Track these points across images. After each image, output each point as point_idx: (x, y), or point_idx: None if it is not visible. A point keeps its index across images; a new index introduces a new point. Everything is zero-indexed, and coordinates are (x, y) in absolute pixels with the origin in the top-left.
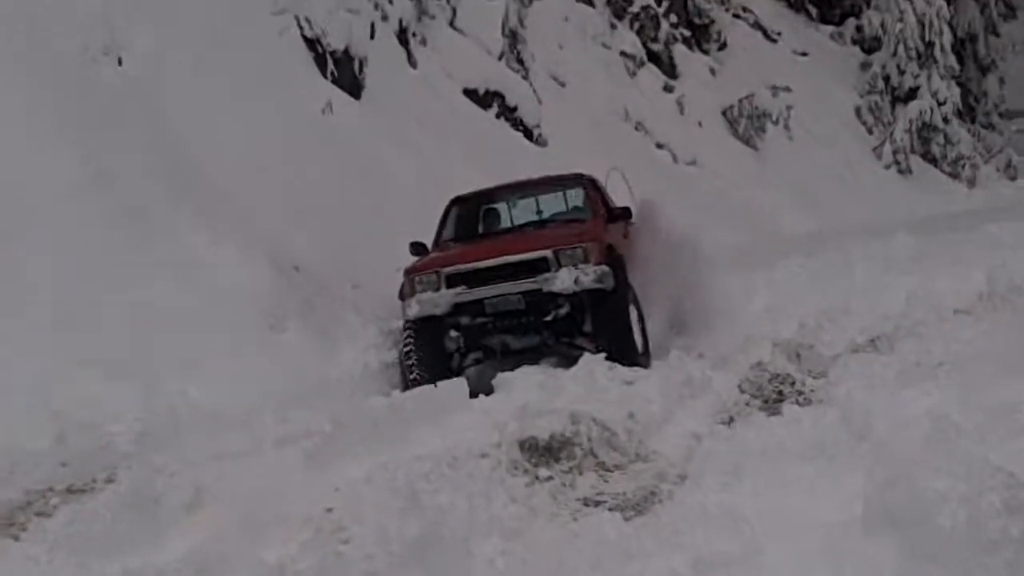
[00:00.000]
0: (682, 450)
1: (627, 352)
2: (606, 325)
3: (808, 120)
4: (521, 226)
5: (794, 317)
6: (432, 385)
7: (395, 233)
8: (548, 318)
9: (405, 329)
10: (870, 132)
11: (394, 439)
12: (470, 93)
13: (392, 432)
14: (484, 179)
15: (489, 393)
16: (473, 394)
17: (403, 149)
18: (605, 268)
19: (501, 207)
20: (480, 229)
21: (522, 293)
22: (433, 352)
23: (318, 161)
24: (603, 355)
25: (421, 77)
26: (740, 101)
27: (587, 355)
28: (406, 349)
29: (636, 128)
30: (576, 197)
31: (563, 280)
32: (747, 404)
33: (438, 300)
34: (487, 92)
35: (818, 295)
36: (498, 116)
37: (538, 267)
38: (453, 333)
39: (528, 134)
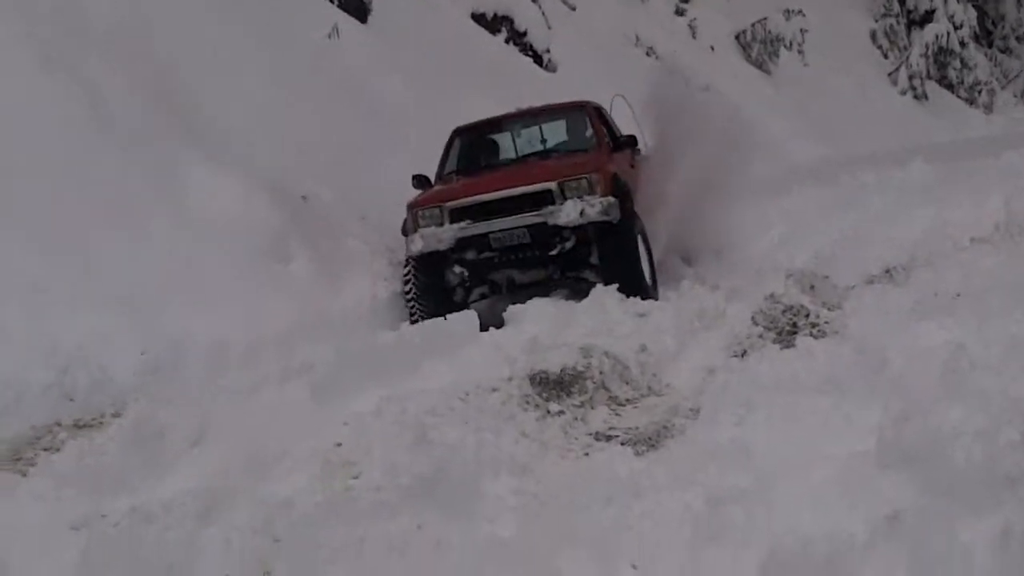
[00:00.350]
0: (695, 384)
1: (635, 285)
2: (613, 258)
3: (822, 45)
4: (525, 157)
5: (808, 247)
6: (442, 318)
7: (402, 164)
8: (554, 252)
9: (407, 264)
10: (885, 57)
11: (403, 373)
12: (478, 18)
13: (401, 365)
14: (494, 107)
15: (500, 326)
16: (483, 327)
17: (410, 76)
18: (611, 199)
19: (504, 137)
20: (483, 161)
21: (527, 227)
22: (437, 288)
23: (323, 90)
24: (612, 287)
25: (427, 1)
26: (753, 25)
27: (598, 287)
28: (408, 285)
29: (647, 53)
30: (580, 125)
31: (568, 213)
32: (760, 336)
33: (442, 235)
34: (496, 16)
35: (832, 224)
36: (507, 41)
37: (542, 200)
38: (457, 268)
39: (538, 59)
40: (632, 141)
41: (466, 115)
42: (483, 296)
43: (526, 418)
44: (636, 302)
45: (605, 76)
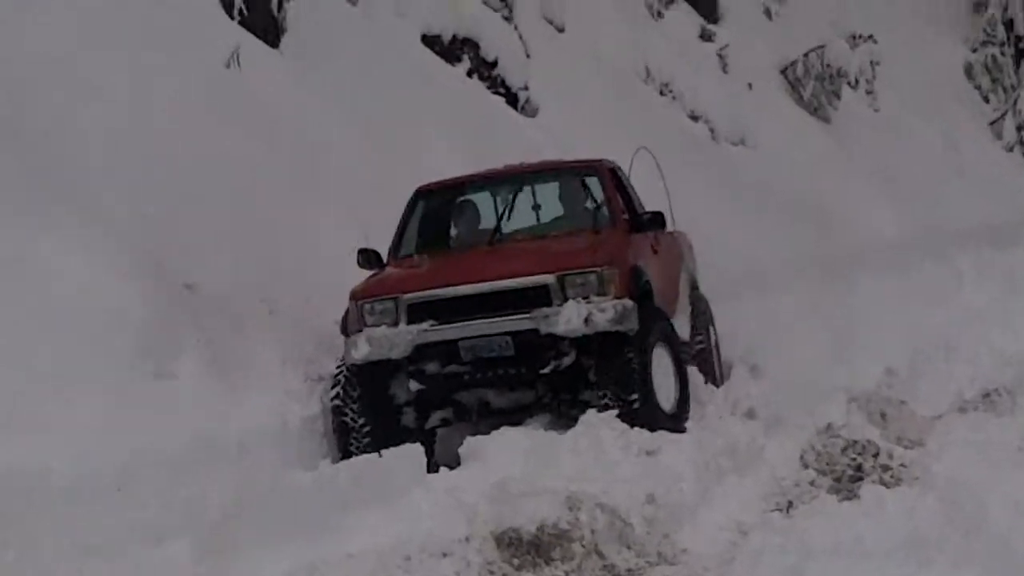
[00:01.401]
0: (721, 549)
1: (647, 413)
2: (617, 377)
3: (900, 82)
4: (513, 235)
5: (879, 359)
6: (376, 453)
7: (335, 235)
8: (546, 370)
9: (343, 376)
10: (986, 100)
11: (322, 528)
12: (431, 41)
13: (320, 518)
14: (451, 162)
15: (455, 465)
16: (433, 466)
17: (341, 117)
18: (628, 303)
19: (485, 204)
20: (455, 237)
21: (511, 334)
22: (382, 408)
23: (222, 134)
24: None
25: (363, 16)
26: (806, 56)
27: (590, 414)
28: (341, 402)
29: (661, 92)
30: (589, 195)
31: (569, 319)
32: (812, 483)
33: (395, 339)
34: (455, 40)
35: (913, 328)
36: (470, 74)
37: (535, 298)
38: (413, 384)
39: (511, 99)
40: (658, 220)
41: (415, 174)
42: (444, 422)
43: None
44: (643, 434)
45: (602, 123)
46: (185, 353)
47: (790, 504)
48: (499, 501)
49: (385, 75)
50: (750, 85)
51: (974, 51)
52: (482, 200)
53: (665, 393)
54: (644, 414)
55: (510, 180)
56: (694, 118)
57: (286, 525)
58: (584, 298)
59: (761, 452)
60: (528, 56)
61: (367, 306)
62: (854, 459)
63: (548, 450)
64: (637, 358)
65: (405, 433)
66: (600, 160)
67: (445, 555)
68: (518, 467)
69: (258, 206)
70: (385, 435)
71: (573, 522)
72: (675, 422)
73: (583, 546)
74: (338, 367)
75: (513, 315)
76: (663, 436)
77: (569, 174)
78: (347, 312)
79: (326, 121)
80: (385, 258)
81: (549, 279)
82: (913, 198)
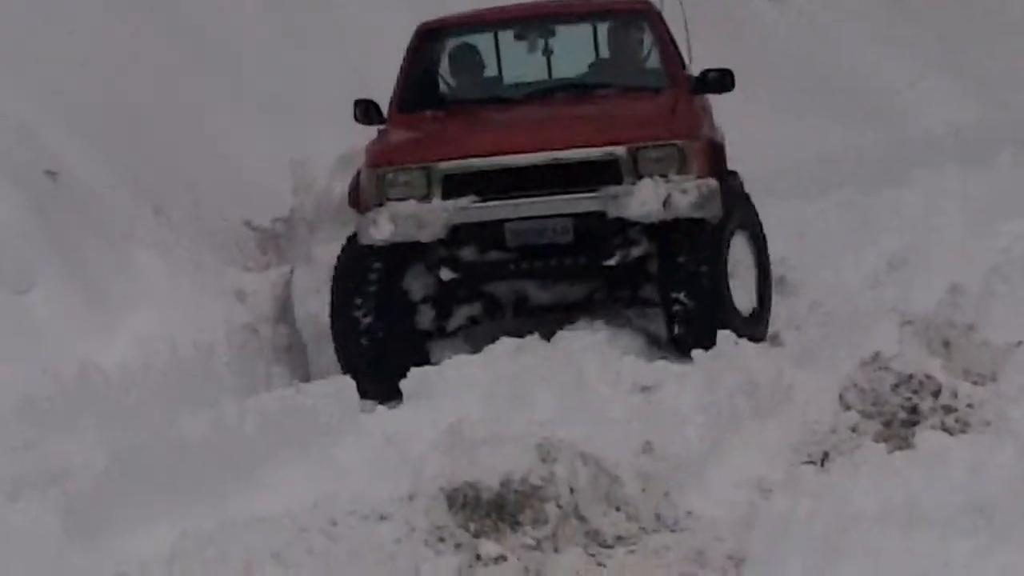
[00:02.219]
0: (738, 512)
1: (711, 324)
2: (689, 271)
3: None
4: (553, 90)
5: (940, 275)
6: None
7: (239, 116)
8: (611, 261)
9: (353, 261)
10: None
11: (223, 486)
12: None
13: (220, 473)
14: (400, 24)
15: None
16: (369, 393)
17: None
18: (712, 184)
19: (513, 49)
20: (477, 88)
21: (573, 216)
22: (394, 302)
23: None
24: (666, 324)
25: None
26: None
27: (569, 333)
28: (350, 297)
29: None
30: (641, 43)
31: (645, 200)
32: (854, 429)
33: (427, 217)
34: None
35: (987, 237)
36: None
37: (601, 173)
38: (445, 273)
39: None
40: (727, 80)
41: (358, 38)
42: (471, 321)
43: (439, 568)
44: (637, 365)
45: None
46: (45, 261)
47: (826, 455)
48: (452, 450)
49: None
50: None
51: None
52: (505, 43)
53: (744, 291)
54: (717, 317)
55: (541, 19)
56: None
57: (176, 482)
58: (662, 176)
59: (789, 389)
60: None
61: (390, 175)
62: (908, 398)
63: (515, 385)
64: (713, 249)
65: (421, 336)
66: (645, 2)
67: (382, 518)
68: (476, 407)
69: (141, 80)
70: (396, 335)
71: (547, 477)
72: (753, 327)
73: (559, 507)
74: (345, 250)
75: (575, 194)
76: (664, 367)
77: (613, 16)
78: (358, 181)
79: None
80: (387, 113)
81: (619, 151)
82: (988, 74)
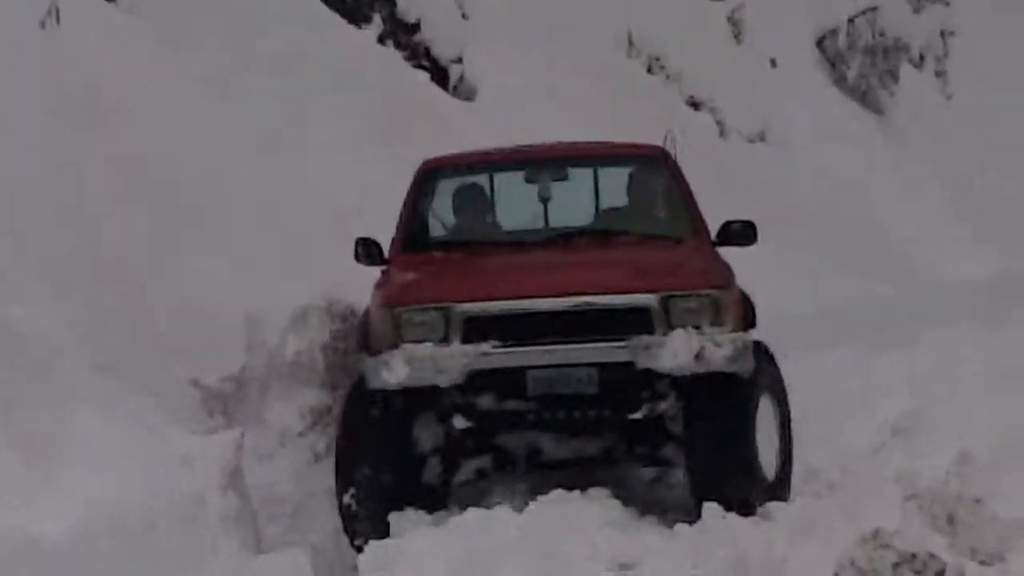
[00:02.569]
0: None
1: (740, 486)
2: (718, 432)
3: (983, 60)
4: (571, 234)
5: (950, 441)
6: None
7: (204, 265)
8: (636, 414)
9: (361, 408)
10: None
11: None
12: None
13: None
14: (350, 163)
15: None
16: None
17: (199, 95)
18: (747, 338)
19: (523, 192)
20: (487, 230)
21: (600, 366)
22: (402, 451)
23: (37, 114)
24: (690, 485)
25: None
26: (851, 22)
27: (546, 501)
28: (355, 447)
29: (650, 69)
30: (658, 190)
31: (677, 352)
32: None
33: (445, 361)
34: None
35: (1000, 400)
36: (382, 40)
37: (631, 322)
38: (459, 422)
39: (439, 75)
40: (748, 232)
41: (309, 178)
42: (479, 475)
43: None
44: (614, 538)
45: (565, 112)
46: None
47: None
48: None
49: (262, 39)
50: (774, 61)
51: None
52: (514, 185)
53: (768, 456)
54: (750, 481)
55: (552, 162)
56: (695, 105)
57: None
58: (695, 327)
59: (781, 567)
60: (465, 17)
61: (406, 315)
62: None
63: (483, 560)
64: (747, 410)
65: (425, 492)
66: (659, 146)
67: None
68: None
69: (111, 240)
70: (403, 486)
71: None
72: (777, 491)
73: None
74: (351, 397)
75: (602, 342)
76: (645, 541)
77: (629, 161)
78: (367, 322)
79: (178, 102)
80: (388, 252)
81: (652, 299)
82: (1002, 222)
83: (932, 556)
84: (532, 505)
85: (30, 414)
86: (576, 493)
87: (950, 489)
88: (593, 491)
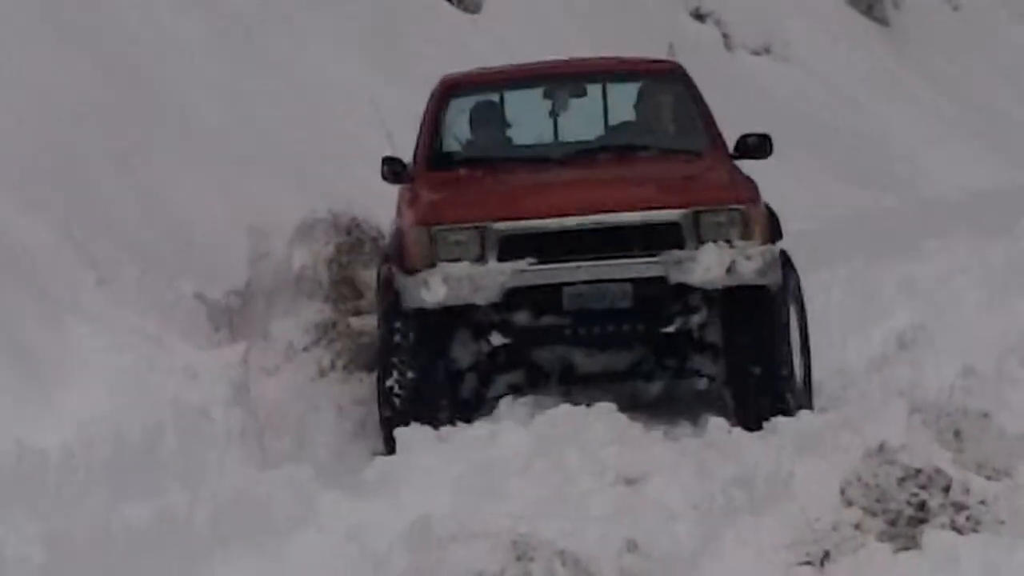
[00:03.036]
0: None
1: (780, 394)
2: (754, 342)
3: None
4: (596, 151)
5: (955, 356)
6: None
7: (195, 174)
8: (670, 328)
9: (399, 325)
10: None
11: None
12: None
13: (170, 565)
14: (348, 80)
15: None
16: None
17: (200, 10)
18: (775, 250)
19: (540, 108)
20: (509, 146)
21: (633, 281)
22: (440, 370)
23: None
24: (732, 396)
25: None
26: None
27: (547, 419)
28: (396, 365)
29: None
30: (673, 105)
31: (709, 266)
32: (857, 527)
33: (482, 279)
34: None
35: (1006, 314)
36: None
37: (662, 237)
38: (496, 339)
39: None
40: (765, 145)
41: (318, 90)
42: (512, 390)
43: None
44: (622, 453)
45: (570, 25)
46: None
47: (826, 555)
48: (419, 546)
49: None
50: None
51: None
52: (533, 102)
53: (797, 362)
54: (779, 396)
55: (570, 78)
56: (699, 17)
57: None
58: (726, 241)
59: (788, 482)
60: None
61: (442, 234)
62: (915, 494)
63: (489, 476)
64: (782, 320)
65: (463, 407)
66: (674, 61)
67: None
68: (446, 499)
69: (88, 145)
70: (442, 403)
71: None
72: (806, 398)
73: None
74: (389, 314)
75: (635, 257)
76: (651, 457)
77: (646, 77)
78: (401, 240)
79: (175, 16)
80: (411, 170)
81: (681, 215)
82: (1007, 134)
83: (938, 471)
84: (538, 420)
85: (26, 327)
86: (582, 408)
87: (955, 403)
88: (599, 406)
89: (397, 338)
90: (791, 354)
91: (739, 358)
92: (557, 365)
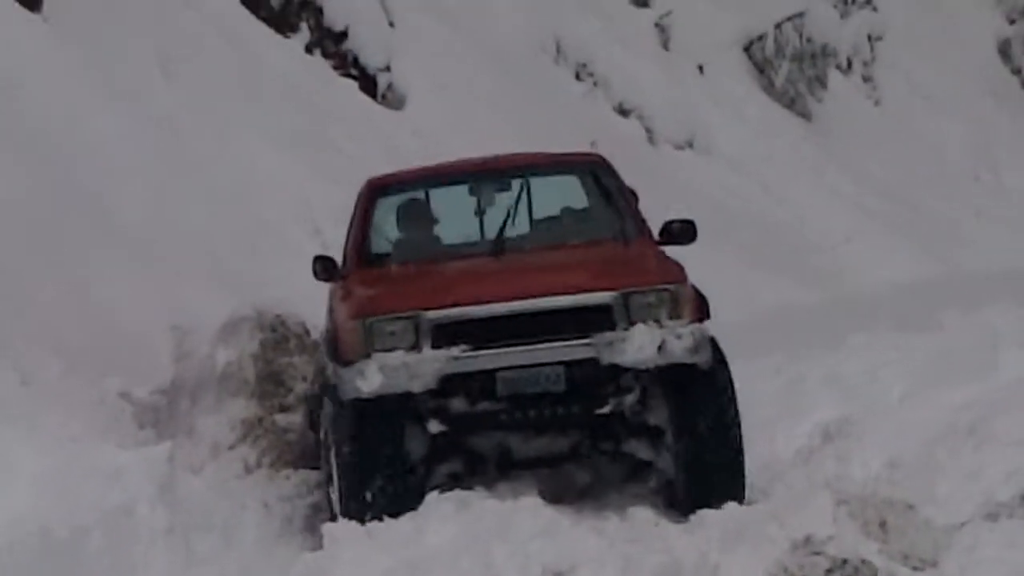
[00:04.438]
0: None
1: (730, 480)
2: (705, 430)
3: (909, 66)
4: (521, 241)
5: (880, 447)
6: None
7: (119, 272)
8: (604, 409)
9: (341, 419)
10: None
11: None
12: (255, 4)
13: None
14: (277, 174)
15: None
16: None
17: (124, 109)
18: (704, 329)
19: (466, 204)
20: (436, 241)
21: (566, 364)
22: (391, 459)
23: None
24: (681, 479)
25: None
26: (778, 27)
27: (488, 507)
28: (341, 456)
29: (578, 76)
30: (597, 195)
31: (641, 345)
32: None
33: (418, 367)
34: (289, 3)
35: (927, 406)
36: (309, 49)
37: (593, 320)
38: (433, 426)
39: (368, 84)
40: (689, 231)
41: (234, 189)
42: (452, 479)
43: None
44: (546, 546)
45: (494, 120)
46: None
47: None
48: None
49: (187, 49)
50: (701, 68)
51: (1012, 23)
52: (459, 198)
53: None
54: (729, 482)
55: (496, 173)
56: (623, 112)
57: None
58: (655, 321)
59: (714, 573)
60: (392, 25)
61: (377, 325)
62: None
63: (416, 571)
64: (730, 399)
65: (404, 497)
66: (598, 154)
67: None
68: None
69: (12, 243)
70: (397, 493)
71: None
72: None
73: None
74: (335, 409)
75: (566, 340)
76: (577, 549)
77: (570, 169)
78: (336, 335)
79: (100, 113)
80: (341, 266)
81: (611, 297)
82: (928, 227)
83: (864, 562)
84: (464, 514)
85: None
86: (509, 502)
87: (881, 494)
88: (525, 499)
89: (335, 431)
90: (738, 439)
91: (694, 441)
92: (495, 452)
